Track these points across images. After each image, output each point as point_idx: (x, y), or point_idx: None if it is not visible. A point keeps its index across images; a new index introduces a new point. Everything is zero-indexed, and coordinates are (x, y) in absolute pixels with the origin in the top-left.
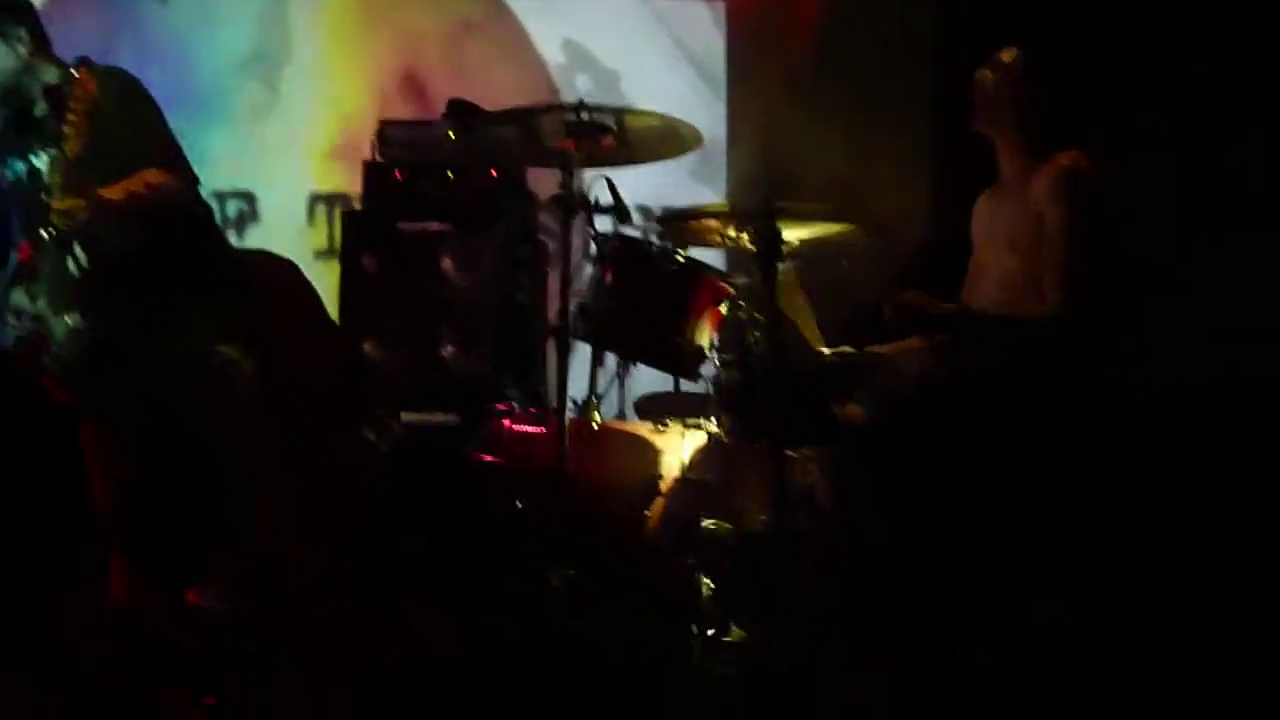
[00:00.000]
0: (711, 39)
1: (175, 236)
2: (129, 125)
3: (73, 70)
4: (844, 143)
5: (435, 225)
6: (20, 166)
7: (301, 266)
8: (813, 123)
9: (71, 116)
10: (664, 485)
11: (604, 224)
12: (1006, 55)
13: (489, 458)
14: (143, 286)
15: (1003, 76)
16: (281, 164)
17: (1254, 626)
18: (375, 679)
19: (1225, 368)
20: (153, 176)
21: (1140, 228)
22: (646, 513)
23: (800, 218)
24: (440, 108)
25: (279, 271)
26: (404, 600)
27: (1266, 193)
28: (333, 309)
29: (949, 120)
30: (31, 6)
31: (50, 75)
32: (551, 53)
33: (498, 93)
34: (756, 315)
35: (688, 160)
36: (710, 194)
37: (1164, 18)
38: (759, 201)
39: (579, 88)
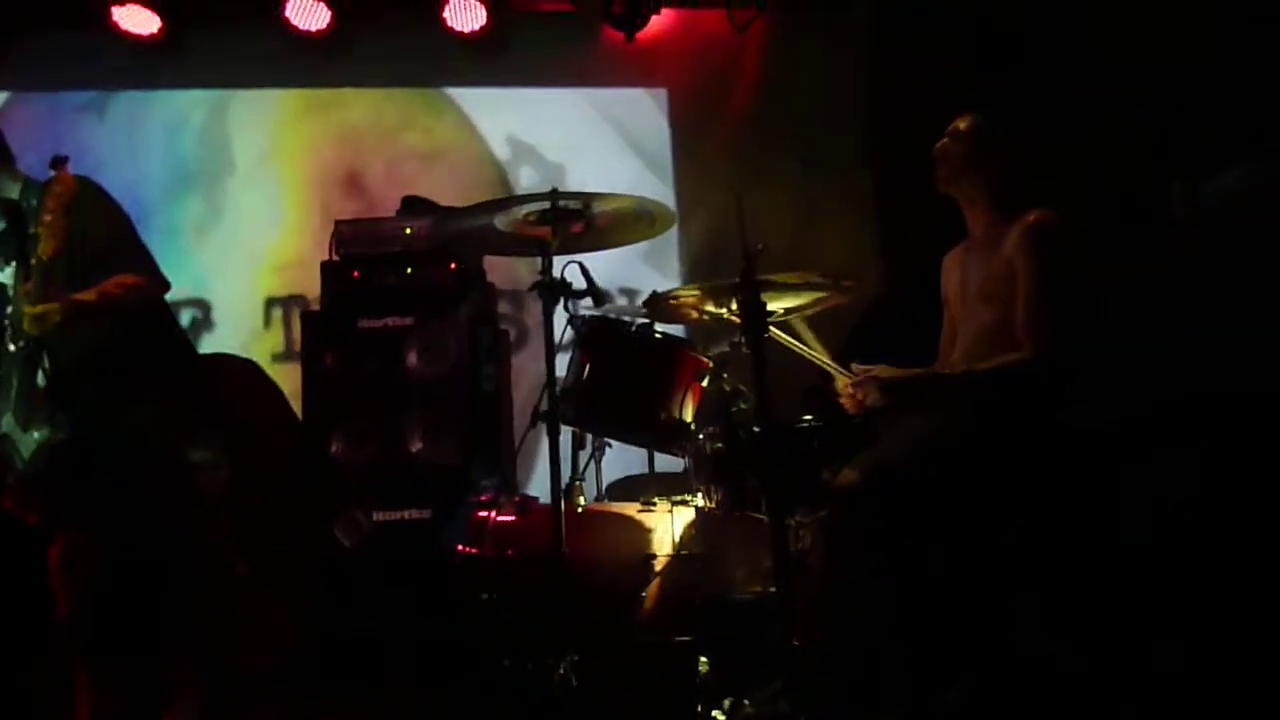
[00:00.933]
0: (654, 124)
1: (146, 339)
2: (102, 226)
3: (50, 169)
4: (792, 210)
5: (396, 319)
6: None
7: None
8: (760, 194)
9: (47, 216)
10: (657, 564)
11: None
12: (963, 123)
13: (471, 549)
14: (112, 391)
15: (961, 143)
16: (233, 271)
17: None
18: None
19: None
20: (126, 278)
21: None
22: (643, 593)
23: (784, 289)
24: (382, 205)
25: (242, 370)
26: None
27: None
28: (296, 410)
29: (890, 178)
30: None
31: (11, 190)
32: (497, 148)
33: (443, 188)
34: (740, 386)
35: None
36: (658, 275)
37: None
38: (743, 274)
39: (524, 181)
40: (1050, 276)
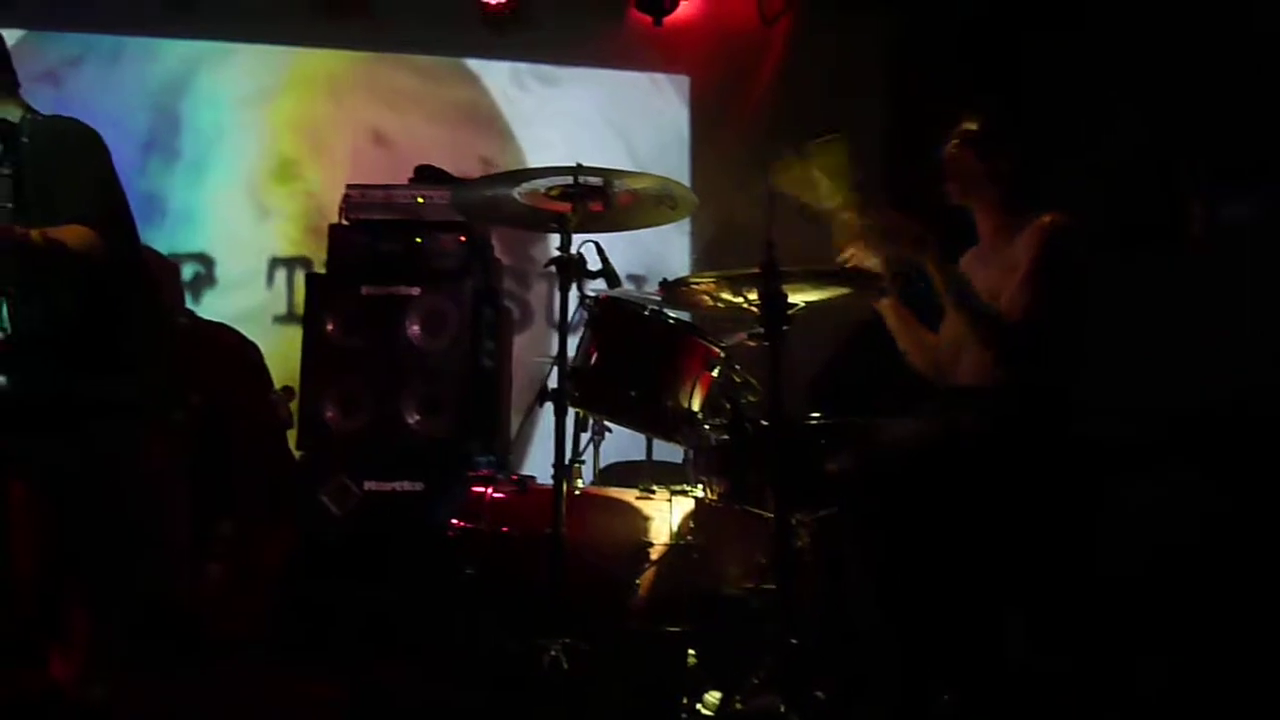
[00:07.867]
0: (674, 110)
1: (96, 296)
2: (78, 167)
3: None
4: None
5: (401, 288)
6: None
7: (261, 331)
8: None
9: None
10: (654, 553)
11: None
12: (970, 124)
13: (465, 524)
14: (65, 349)
15: (971, 146)
16: (238, 228)
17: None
18: None
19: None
20: (79, 231)
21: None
22: (637, 581)
23: (805, 280)
24: (391, 171)
25: (221, 334)
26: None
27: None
28: (294, 374)
29: (899, 175)
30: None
31: (12, 115)
32: (511, 121)
33: (454, 158)
34: (750, 379)
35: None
36: (667, 262)
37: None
38: (764, 264)
39: (535, 159)
40: (1048, 269)
